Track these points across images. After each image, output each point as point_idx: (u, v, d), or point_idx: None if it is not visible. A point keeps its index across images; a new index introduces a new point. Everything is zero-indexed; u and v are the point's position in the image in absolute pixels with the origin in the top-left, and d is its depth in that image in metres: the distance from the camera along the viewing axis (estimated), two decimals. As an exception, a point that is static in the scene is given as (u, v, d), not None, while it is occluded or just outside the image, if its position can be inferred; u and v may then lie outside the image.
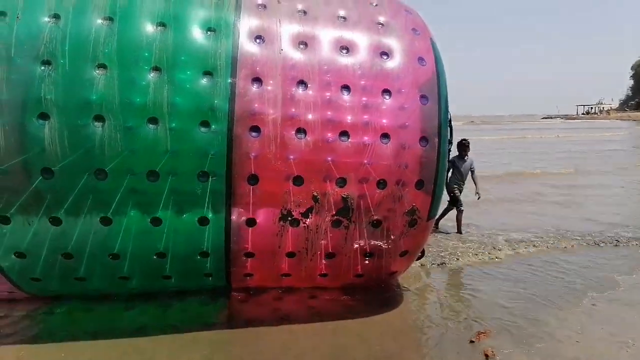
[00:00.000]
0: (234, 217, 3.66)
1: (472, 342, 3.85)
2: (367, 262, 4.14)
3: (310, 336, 3.98)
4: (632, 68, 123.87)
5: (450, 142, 3.97)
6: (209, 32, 3.53)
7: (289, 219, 3.73)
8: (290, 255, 3.96)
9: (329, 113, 3.59)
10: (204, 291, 4.61)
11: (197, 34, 3.50)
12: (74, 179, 3.36)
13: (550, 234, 7.26)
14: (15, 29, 3.25)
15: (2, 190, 3.33)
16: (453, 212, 7.42)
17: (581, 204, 9.95)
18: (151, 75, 3.35)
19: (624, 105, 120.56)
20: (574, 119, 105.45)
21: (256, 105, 3.49)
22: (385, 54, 3.77)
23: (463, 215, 7.34)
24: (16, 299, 4.43)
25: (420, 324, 4.25)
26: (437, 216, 4.32)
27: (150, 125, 3.35)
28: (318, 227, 3.80)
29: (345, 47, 3.74)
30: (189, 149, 3.41)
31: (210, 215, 3.63)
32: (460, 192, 7.31)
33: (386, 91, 3.67)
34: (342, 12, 3.92)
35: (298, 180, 3.61)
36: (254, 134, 3.49)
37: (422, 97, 3.73)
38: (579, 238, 7.00)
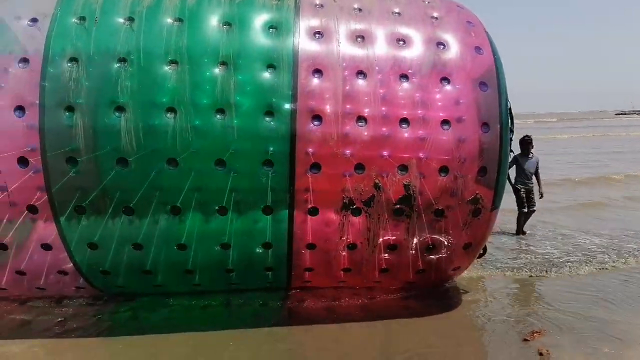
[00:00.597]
0: (296, 207, 3.71)
1: (526, 340, 3.78)
2: (428, 255, 4.07)
3: (364, 328, 4.06)
4: None
5: (512, 131, 3.92)
6: (271, 30, 3.70)
7: (351, 207, 3.74)
8: (352, 247, 3.95)
9: (389, 102, 3.64)
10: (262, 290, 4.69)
11: (260, 32, 3.68)
12: (147, 169, 3.52)
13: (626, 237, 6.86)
14: (94, 30, 3.52)
15: (79, 180, 3.52)
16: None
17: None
18: (218, 69, 3.53)
19: None
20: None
21: (317, 95, 3.59)
22: (442, 44, 3.82)
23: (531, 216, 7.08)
24: (83, 297, 4.62)
25: (475, 322, 4.22)
26: (498, 206, 4.03)
27: (218, 116, 3.50)
28: (380, 216, 3.79)
29: (402, 39, 3.82)
30: (254, 138, 3.53)
31: (273, 205, 3.70)
32: (528, 192, 6.99)
33: (445, 79, 3.71)
34: (396, 9, 4.02)
35: (359, 169, 3.64)
36: (315, 122, 3.58)
37: (482, 84, 3.73)
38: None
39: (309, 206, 3.73)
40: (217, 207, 3.68)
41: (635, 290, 4.83)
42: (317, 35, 3.75)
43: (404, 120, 3.63)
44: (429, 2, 4.19)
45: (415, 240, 3.95)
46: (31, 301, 4.57)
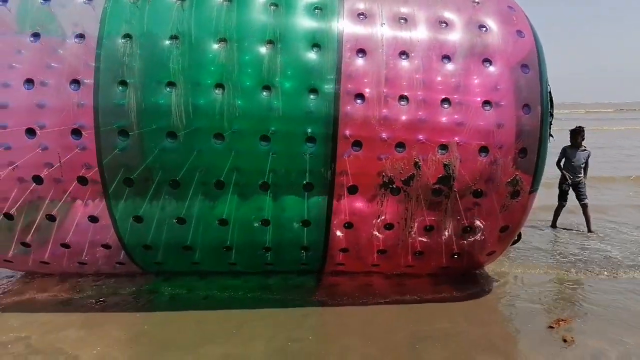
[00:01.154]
0: (336, 185, 3.78)
1: (551, 327, 3.83)
2: (464, 239, 4.10)
3: (394, 312, 4.15)
4: None
5: (552, 115, 3.93)
6: (316, 10, 3.79)
7: (390, 186, 3.79)
8: (388, 227, 4.00)
9: (430, 82, 3.70)
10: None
11: (305, 11, 3.77)
12: (194, 145, 3.63)
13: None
14: (147, 9, 3.65)
15: (128, 154, 3.64)
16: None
17: None
18: (266, 47, 3.63)
19: None
20: None
21: (361, 74, 3.66)
22: (484, 26, 3.87)
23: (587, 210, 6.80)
24: (120, 276, 4.75)
25: (503, 308, 4.27)
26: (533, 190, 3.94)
27: (265, 93, 3.59)
28: (418, 196, 3.83)
29: (444, 22, 3.88)
30: (299, 113, 3.62)
31: (314, 183, 3.77)
32: (576, 185, 6.78)
33: (487, 60, 3.75)
34: (438, -7, 4.07)
35: (400, 147, 3.69)
36: (358, 101, 3.64)
37: (524, 66, 3.77)
38: None
39: (349, 184, 3.79)
40: (259, 183, 3.77)
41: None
42: (361, 16, 3.82)
43: (446, 101, 3.68)
44: None
45: (451, 222, 3.98)
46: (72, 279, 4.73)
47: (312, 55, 3.67)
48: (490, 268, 5.06)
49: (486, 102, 3.69)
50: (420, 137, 3.69)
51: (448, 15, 3.92)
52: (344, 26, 3.75)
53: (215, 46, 3.61)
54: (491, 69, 3.75)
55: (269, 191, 3.84)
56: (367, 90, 3.66)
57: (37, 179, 3.72)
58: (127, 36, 3.58)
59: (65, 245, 4.14)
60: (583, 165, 6.79)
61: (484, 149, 3.72)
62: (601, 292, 4.55)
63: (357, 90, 3.64)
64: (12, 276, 4.92)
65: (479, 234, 4.08)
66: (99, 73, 3.56)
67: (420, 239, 4.11)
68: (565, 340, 3.61)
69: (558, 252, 5.86)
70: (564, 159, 6.83)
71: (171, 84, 3.55)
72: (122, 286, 4.65)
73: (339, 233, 4.07)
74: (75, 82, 3.56)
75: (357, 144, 3.68)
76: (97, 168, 3.68)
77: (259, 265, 4.55)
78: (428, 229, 4.04)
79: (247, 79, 3.60)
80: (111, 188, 3.76)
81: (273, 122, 3.63)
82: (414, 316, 4.07)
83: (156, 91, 3.56)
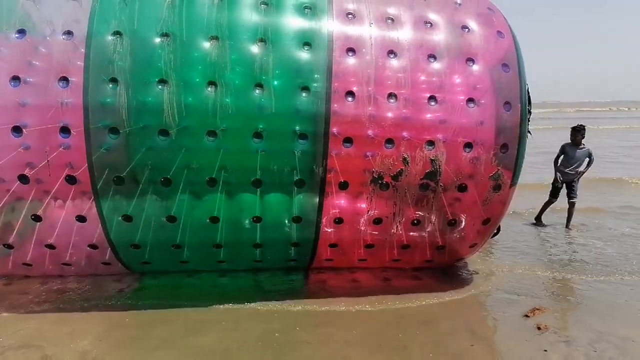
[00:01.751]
0: (327, 180, 3.86)
1: (526, 316, 4.02)
2: (448, 231, 4.26)
3: (379, 300, 4.30)
4: None
5: (530, 112, 4.14)
6: (306, 10, 3.85)
7: (380, 182, 3.91)
8: (377, 221, 4.12)
9: (418, 79, 3.83)
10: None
11: (296, 10, 3.84)
12: (185, 142, 3.63)
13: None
14: (137, 6, 3.62)
15: (118, 152, 3.61)
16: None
17: None
18: (257, 45, 3.67)
19: None
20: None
21: (351, 72, 3.76)
22: (466, 27, 4.03)
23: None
24: (109, 275, 4.69)
25: (482, 299, 4.46)
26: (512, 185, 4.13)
27: (257, 90, 3.63)
28: (406, 191, 3.96)
29: (429, 22, 4.02)
30: (291, 110, 3.68)
31: (305, 178, 3.84)
32: (569, 182, 6.93)
33: (470, 59, 3.91)
34: (421, -4, 4.21)
35: (389, 143, 3.81)
36: (349, 99, 3.74)
37: (504, 65, 3.95)
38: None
39: (340, 181, 3.88)
40: (251, 180, 3.81)
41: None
42: (349, 16, 3.92)
43: (432, 98, 3.83)
44: None
45: (437, 216, 4.14)
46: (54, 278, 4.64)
47: (303, 54, 3.74)
48: (470, 262, 5.26)
49: (470, 100, 3.85)
50: (409, 134, 3.82)
51: (432, 16, 4.07)
52: (334, 25, 3.84)
53: (207, 44, 3.62)
54: (474, 68, 3.91)
55: (259, 189, 3.88)
56: (357, 88, 3.76)
57: (23, 178, 3.64)
58: (117, 33, 3.54)
59: (50, 246, 4.06)
60: (581, 163, 6.88)
61: (468, 145, 3.89)
62: (577, 285, 4.77)
63: (347, 89, 3.74)
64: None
65: (463, 227, 4.25)
66: (88, 71, 3.51)
67: (407, 232, 4.25)
68: (539, 328, 3.78)
69: (538, 247, 6.08)
70: (562, 156, 6.96)
71: (162, 82, 3.54)
72: (106, 283, 4.61)
73: (328, 229, 4.16)
74: (64, 79, 3.51)
75: (348, 141, 3.78)
76: (86, 166, 3.63)
77: (248, 262, 4.58)
78: (415, 223, 4.18)
79: (239, 75, 3.63)
80: (100, 187, 3.71)
81: (264, 120, 3.68)
82: (396, 305, 4.21)
83: (147, 89, 3.54)
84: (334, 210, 4.05)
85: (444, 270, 4.96)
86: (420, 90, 3.82)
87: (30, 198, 3.74)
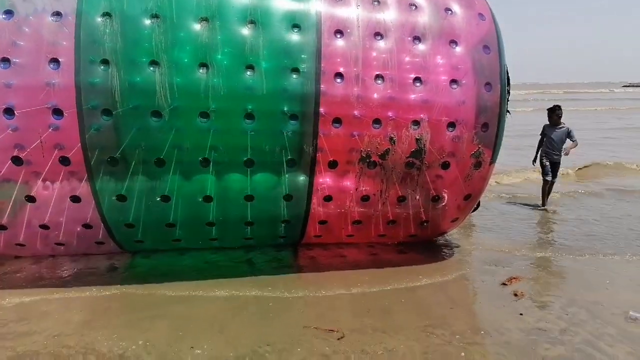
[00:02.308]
0: (317, 161, 4.00)
1: (504, 284, 4.28)
2: (432, 207, 4.46)
3: (367, 272, 4.53)
4: None
5: (509, 92, 4.32)
6: None
7: (368, 161, 4.06)
8: (365, 199, 4.29)
9: (404, 60, 3.97)
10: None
11: None
12: (178, 122, 3.71)
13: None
14: None
15: (111, 133, 3.67)
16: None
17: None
18: (247, 27, 3.73)
19: None
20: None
21: (339, 53, 3.87)
22: (449, 9, 4.16)
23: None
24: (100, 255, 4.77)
25: (462, 270, 4.69)
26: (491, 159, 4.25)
27: (248, 72, 3.72)
28: (393, 169, 4.13)
29: (414, 5, 4.13)
30: (281, 91, 3.78)
31: (296, 157, 3.97)
32: (553, 163, 6.98)
33: (453, 41, 4.05)
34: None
35: (377, 123, 3.96)
36: (338, 80, 3.85)
37: (485, 47, 4.11)
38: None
39: (329, 160, 4.03)
40: (243, 160, 3.92)
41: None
42: None
43: (417, 79, 3.97)
44: None
45: (421, 192, 4.33)
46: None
47: (292, 36, 3.82)
48: (454, 239, 5.51)
49: (453, 81, 4.01)
50: (395, 114, 3.97)
51: None
52: (322, 7, 3.92)
53: (197, 26, 3.67)
54: (457, 49, 4.06)
55: (250, 168, 4.00)
56: (346, 69, 3.87)
57: (16, 159, 3.67)
58: (107, 14, 3.56)
59: (44, 226, 4.12)
60: (562, 142, 6.94)
61: (451, 125, 4.06)
62: (553, 260, 5.01)
63: (336, 70, 3.85)
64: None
65: (446, 202, 4.46)
66: (79, 51, 3.53)
67: (392, 209, 4.44)
68: (515, 295, 4.03)
69: (518, 226, 6.22)
70: (545, 137, 7.08)
71: (154, 63, 3.59)
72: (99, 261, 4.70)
73: (318, 207, 4.32)
74: (54, 61, 3.52)
75: (337, 121, 3.91)
76: (79, 146, 3.67)
77: (239, 240, 4.72)
78: (400, 200, 4.37)
79: (230, 57, 3.70)
80: (93, 167, 3.77)
81: (255, 101, 3.77)
82: (382, 275, 4.45)
83: (139, 70, 3.59)
84: (323, 188, 4.20)
85: (427, 245, 5.19)
86: (405, 71, 3.96)
87: (27, 178, 3.78)
